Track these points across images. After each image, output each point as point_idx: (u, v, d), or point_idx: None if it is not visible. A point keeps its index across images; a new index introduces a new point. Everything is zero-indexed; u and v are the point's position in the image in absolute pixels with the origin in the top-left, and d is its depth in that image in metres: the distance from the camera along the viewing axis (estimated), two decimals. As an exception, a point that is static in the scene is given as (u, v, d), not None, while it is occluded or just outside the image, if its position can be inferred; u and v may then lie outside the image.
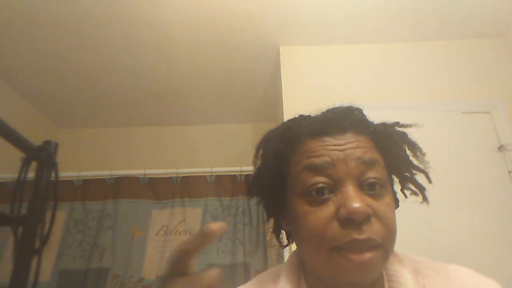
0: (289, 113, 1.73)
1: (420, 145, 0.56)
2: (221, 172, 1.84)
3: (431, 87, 1.79)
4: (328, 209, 0.45)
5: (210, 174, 1.84)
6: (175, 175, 1.84)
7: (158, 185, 1.83)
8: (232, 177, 1.83)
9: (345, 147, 0.47)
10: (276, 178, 0.52)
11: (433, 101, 1.74)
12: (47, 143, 1.02)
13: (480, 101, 1.73)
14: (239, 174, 1.83)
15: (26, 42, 1.83)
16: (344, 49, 1.92)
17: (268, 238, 1.64)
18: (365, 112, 0.54)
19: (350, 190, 0.45)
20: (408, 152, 0.54)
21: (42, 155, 0.98)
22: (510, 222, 1.47)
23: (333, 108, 0.54)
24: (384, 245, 0.44)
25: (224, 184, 1.82)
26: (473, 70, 1.82)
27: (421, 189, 0.55)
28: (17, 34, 1.78)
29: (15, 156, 1.01)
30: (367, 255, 0.43)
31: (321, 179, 0.46)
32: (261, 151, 0.55)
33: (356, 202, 0.43)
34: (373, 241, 0.43)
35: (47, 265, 1.61)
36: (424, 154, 0.55)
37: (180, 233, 1.71)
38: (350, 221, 0.43)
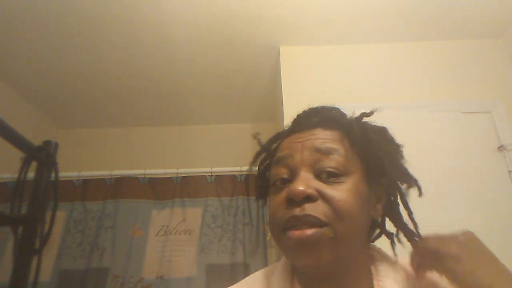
0: (289, 113, 1.73)
1: (403, 143, 0.55)
2: (221, 172, 1.84)
3: (431, 87, 1.78)
4: (282, 195, 0.48)
5: (210, 174, 1.84)
6: (175, 175, 1.84)
7: (158, 185, 1.83)
8: (232, 177, 1.83)
9: (305, 139, 0.51)
10: (267, 180, 0.58)
11: (433, 101, 1.74)
12: (47, 143, 1.01)
13: (480, 101, 1.73)
14: (239, 174, 1.83)
15: (26, 42, 1.83)
16: (344, 49, 1.92)
17: (268, 238, 1.64)
18: (344, 111, 0.57)
19: (300, 175, 0.47)
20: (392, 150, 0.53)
21: (42, 155, 0.98)
22: (510, 222, 1.47)
23: (308, 108, 0.57)
24: (332, 226, 0.45)
25: (224, 184, 1.82)
26: (473, 70, 1.82)
27: (411, 182, 0.53)
28: (17, 34, 1.78)
29: (15, 156, 1.01)
30: (307, 231, 0.44)
31: (283, 170, 0.50)
32: (259, 158, 0.61)
33: (299, 184, 0.45)
34: (314, 218, 0.44)
35: (47, 265, 1.61)
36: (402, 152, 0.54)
37: (180, 233, 1.71)
38: (292, 201, 0.46)
